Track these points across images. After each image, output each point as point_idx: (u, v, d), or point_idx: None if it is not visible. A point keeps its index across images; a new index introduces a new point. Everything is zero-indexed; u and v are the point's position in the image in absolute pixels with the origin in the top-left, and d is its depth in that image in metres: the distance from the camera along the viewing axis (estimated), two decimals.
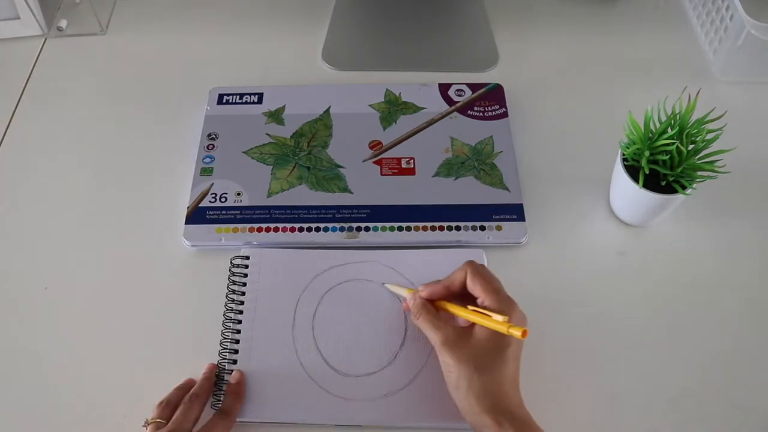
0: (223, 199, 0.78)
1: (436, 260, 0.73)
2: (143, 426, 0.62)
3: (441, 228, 0.75)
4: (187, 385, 0.66)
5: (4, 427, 0.66)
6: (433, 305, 0.64)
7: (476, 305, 0.61)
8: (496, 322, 0.58)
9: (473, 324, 0.61)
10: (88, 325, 0.71)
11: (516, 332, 0.56)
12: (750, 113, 0.85)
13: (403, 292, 0.68)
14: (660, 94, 0.72)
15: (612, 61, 0.95)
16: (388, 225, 0.76)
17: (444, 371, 0.60)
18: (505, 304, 0.60)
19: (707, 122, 0.70)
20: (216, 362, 0.67)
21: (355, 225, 0.76)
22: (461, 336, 0.60)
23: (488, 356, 0.59)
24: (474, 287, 0.62)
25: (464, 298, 0.64)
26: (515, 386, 0.60)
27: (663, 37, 0.98)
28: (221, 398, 0.65)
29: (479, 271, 0.63)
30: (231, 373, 0.66)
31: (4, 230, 0.79)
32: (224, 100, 0.87)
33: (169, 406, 0.63)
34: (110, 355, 0.69)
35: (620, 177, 0.73)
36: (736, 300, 0.73)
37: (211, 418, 0.63)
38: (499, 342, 0.59)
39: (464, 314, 0.61)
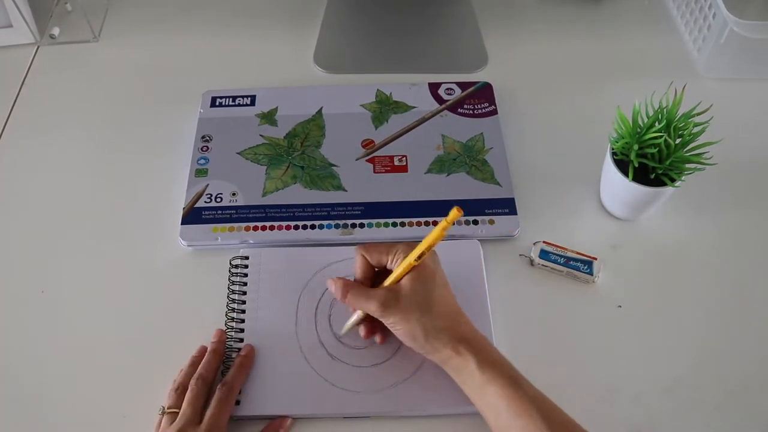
0: (218, 200, 0.78)
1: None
2: (159, 414, 0.64)
3: (435, 223, 0.76)
4: (201, 355, 0.67)
5: (4, 429, 0.66)
6: None
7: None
8: (436, 231, 0.60)
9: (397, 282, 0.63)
10: (87, 328, 0.72)
11: (454, 212, 0.57)
12: (734, 109, 0.86)
13: (351, 322, 0.68)
14: (646, 91, 0.73)
15: (599, 60, 0.96)
16: (382, 221, 0.77)
17: (394, 330, 0.63)
18: (407, 246, 0.63)
19: (694, 116, 0.71)
20: (222, 369, 0.68)
21: (349, 222, 0.77)
22: (393, 292, 0.62)
23: (424, 297, 0.62)
24: (378, 256, 0.65)
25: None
26: (458, 313, 0.64)
27: (648, 36, 1.00)
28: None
29: (369, 245, 0.66)
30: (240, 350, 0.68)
31: (1, 236, 0.79)
32: (217, 103, 0.88)
33: (182, 392, 0.64)
34: (109, 356, 0.70)
35: (610, 171, 0.74)
36: (726, 288, 0.74)
37: (214, 395, 0.64)
38: (426, 280, 0.62)
39: (397, 273, 0.63)
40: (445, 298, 0.63)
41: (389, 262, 0.65)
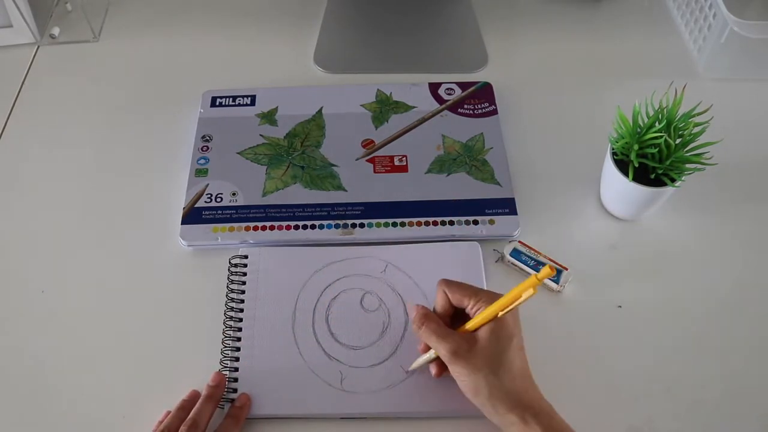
0: (218, 199, 0.78)
1: (433, 254, 0.74)
2: None
3: (435, 223, 0.76)
4: (192, 400, 0.65)
5: (4, 429, 0.66)
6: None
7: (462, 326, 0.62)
8: (524, 284, 0.57)
9: (473, 330, 0.61)
10: (87, 328, 0.72)
11: (546, 270, 0.54)
12: (734, 109, 0.86)
13: (423, 359, 0.65)
14: (646, 91, 0.73)
15: (599, 59, 0.96)
16: (382, 221, 0.76)
17: (458, 380, 0.60)
18: (492, 295, 0.61)
19: (694, 116, 0.71)
20: (219, 369, 0.67)
21: (349, 222, 0.77)
22: (468, 342, 0.60)
23: (497, 356, 0.59)
24: (460, 297, 0.62)
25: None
26: (529, 378, 0.60)
27: (648, 36, 1.00)
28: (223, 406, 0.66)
29: (453, 283, 0.64)
30: (235, 391, 0.66)
31: (1, 235, 0.79)
32: (217, 103, 0.88)
33: None
34: (109, 356, 0.70)
35: (610, 171, 0.74)
36: (725, 288, 0.74)
37: None
38: (502, 339, 0.59)
39: (476, 320, 0.60)
40: (518, 361, 0.60)
41: (470, 306, 0.62)
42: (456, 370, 0.59)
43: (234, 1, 1.04)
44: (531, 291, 0.56)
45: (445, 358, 0.60)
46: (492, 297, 0.61)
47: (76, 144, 0.87)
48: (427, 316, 0.63)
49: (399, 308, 0.71)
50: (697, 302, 0.73)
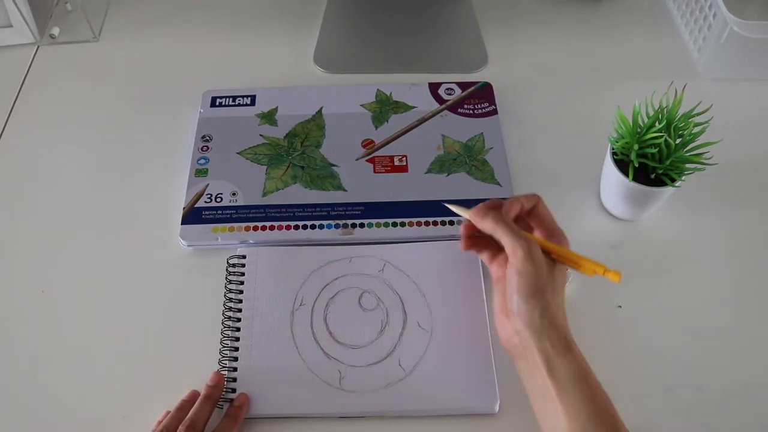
0: (218, 199, 0.78)
1: (432, 253, 0.74)
2: None
3: (435, 223, 0.76)
4: (191, 400, 0.65)
5: (4, 429, 0.66)
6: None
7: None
8: (598, 267, 0.61)
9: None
10: (86, 328, 0.72)
11: (614, 277, 0.58)
12: (734, 109, 0.86)
13: (465, 214, 0.66)
14: (646, 91, 0.73)
15: (599, 60, 0.96)
16: (382, 221, 0.76)
17: (515, 276, 0.58)
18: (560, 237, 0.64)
19: (694, 116, 0.71)
20: (218, 369, 0.67)
21: (349, 222, 0.77)
22: (537, 252, 0.59)
23: (549, 282, 0.60)
24: (543, 218, 0.65)
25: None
26: (565, 317, 0.62)
27: (648, 36, 1.00)
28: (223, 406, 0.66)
29: (546, 207, 0.66)
30: (234, 390, 0.66)
31: (1, 236, 0.79)
32: (217, 103, 0.88)
33: None
34: (109, 356, 0.70)
35: (610, 171, 0.74)
36: (725, 288, 0.74)
37: None
38: (562, 273, 0.62)
39: (562, 253, 0.62)
40: (561, 297, 0.62)
41: (549, 234, 0.64)
42: (522, 268, 0.58)
43: (234, 1, 1.04)
44: (590, 274, 0.61)
45: (517, 253, 0.59)
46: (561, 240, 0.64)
47: (76, 144, 0.87)
48: (495, 212, 0.62)
49: (397, 307, 0.71)
50: (697, 302, 0.73)
